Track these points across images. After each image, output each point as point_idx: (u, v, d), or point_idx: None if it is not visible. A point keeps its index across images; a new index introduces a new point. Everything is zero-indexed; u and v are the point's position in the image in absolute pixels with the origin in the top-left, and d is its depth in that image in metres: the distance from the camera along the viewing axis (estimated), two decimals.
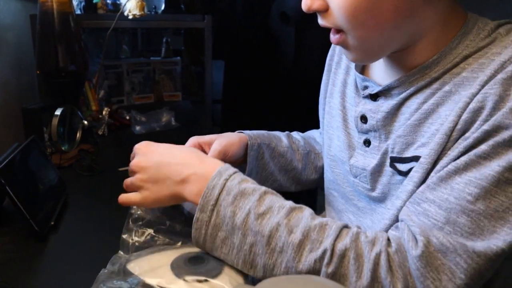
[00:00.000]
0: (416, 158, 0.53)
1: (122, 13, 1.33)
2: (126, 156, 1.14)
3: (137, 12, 1.31)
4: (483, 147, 0.45)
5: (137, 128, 1.35)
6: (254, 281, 0.53)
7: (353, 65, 0.68)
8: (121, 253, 0.60)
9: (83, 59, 1.18)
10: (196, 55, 1.95)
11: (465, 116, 0.47)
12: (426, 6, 0.52)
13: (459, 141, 0.48)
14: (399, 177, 0.57)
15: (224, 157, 0.71)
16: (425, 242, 0.45)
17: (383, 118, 0.59)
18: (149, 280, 0.51)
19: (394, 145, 0.57)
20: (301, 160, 0.84)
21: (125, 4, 1.32)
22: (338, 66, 0.74)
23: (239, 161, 0.77)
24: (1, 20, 1.17)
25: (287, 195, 0.59)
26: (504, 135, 0.44)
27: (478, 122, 0.46)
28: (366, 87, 0.63)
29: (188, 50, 2.02)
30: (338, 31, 0.54)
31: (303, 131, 0.94)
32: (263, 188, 0.54)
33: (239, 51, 1.94)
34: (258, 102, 1.90)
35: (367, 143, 0.63)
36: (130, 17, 1.32)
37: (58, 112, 1.01)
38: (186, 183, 0.57)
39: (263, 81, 1.87)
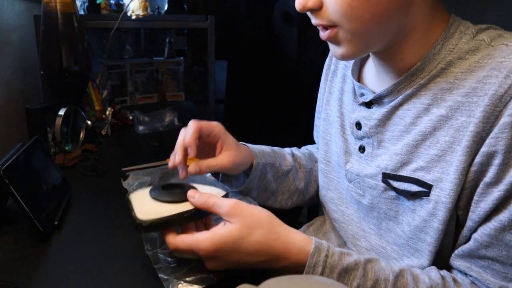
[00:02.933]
0: (416, 181, 0.54)
1: (126, 13, 1.33)
2: (129, 156, 1.15)
3: (140, 12, 1.31)
4: None
5: (140, 128, 1.35)
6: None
7: (349, 73, 0.68)
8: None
9: (87, 60, 1.19)
10: (199, 55, 1.95)
11: (479, 159, 0.49)
12: None
13: (481, 186, 0.50)
14: (392, 193, 0.58)
15: (231, 168, 0.71)
16: None
17: (376, 126, 0.60)
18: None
19: (389, 162, 0.58)
20: (304, 178, 0.84)
21: (128, 5, 1.33)
22: (334, 75, 0.74)
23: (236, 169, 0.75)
24: (5, 20, 1.17)
25: None
26: None
27: (494, 167, 0.48)
28: (362, 94, 0.64)
29: (191, 50, 2.02)
30: (329, 26, 0.53)
31: (305, 131, 0.94)
32: (362, 258, 0.53)
33: (242, 51, 1.94)
34: (261, 102, 1.90)
35: (362, 149, 0.64)
36: (133, 17, 1.32)
37: (61, 112, 1.01)
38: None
39: (266, 81, 1.87)
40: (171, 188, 0.62)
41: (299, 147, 0.91)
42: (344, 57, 0.56)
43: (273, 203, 0.82)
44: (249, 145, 0.79)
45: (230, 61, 2.00)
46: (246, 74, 1.95)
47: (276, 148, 0.84)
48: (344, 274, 0.51)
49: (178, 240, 0.54)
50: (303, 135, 0.94)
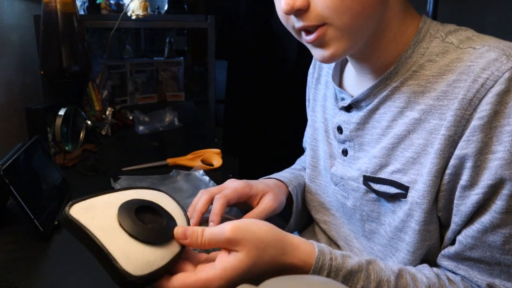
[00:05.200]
0: (394, 183, 0.55)
1: (126, 13, 1.33)
2: (129, 156, 1.15)
3: (140, 12, 1.31)
4: (499, 203, 0.48)
5: (140, 128, 1.35)
6: None
7: (331, 78, 0.69)
8: None
9: (87, 60, 1.19)
10: (199, 55, 1.95)
11: (453, 161, 0.50)
12: None
13: (459, 189, 0.51)
14: (373, 195, 0.59)
15: (278, 207, 0.69)
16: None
17: (355, 129, 0.61)
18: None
19: (368, 165, 0.59)
20: None
21: (128, 5, 1.33)
22: (318, 82, 0.75)
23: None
24: (5, 20, 1.17)
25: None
26: (511, 187, 0.47)
27: (468, 170, 0.49)
28: (343, 99, 0.65)
29: (191, 50, 2.02)
30: (316, 27, 0.52)
31: (304, 131, 0.94)
32: (362, 259, 0.53)
33: (242, 51, 1.94)
34: (261, 102, 1.91)
35: (344, 152, 0.65)
36: (134, 17, 1.32)
37: (61, 112, 1.01)
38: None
39: (266, 81, 1.88)
40: (144, 217, 0.48)
41: (299, 146, 0.91)
42: (332, 58, 0.54)
43: (301, 219, 0.81)
44: (273, 176, 0.77)
45: (230, 61, 2.00)
46: (246, 74, 1.95)
47: (291, 170, 0.84)
48: (349, 277, 0.51)
49: (179, 283, 0.46)
50: (303, 134, 0.94)
